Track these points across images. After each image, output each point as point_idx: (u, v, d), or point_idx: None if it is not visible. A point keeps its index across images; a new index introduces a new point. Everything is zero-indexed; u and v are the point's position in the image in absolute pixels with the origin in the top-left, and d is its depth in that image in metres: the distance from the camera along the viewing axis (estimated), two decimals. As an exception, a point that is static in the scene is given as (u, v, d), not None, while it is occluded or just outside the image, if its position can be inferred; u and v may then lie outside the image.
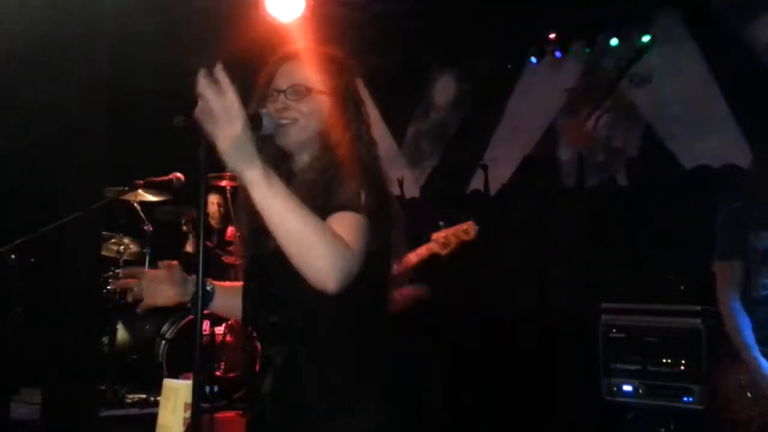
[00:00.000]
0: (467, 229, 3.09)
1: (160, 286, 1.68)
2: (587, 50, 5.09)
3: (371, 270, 1.48)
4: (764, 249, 2.73)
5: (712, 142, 4.59)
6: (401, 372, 1.69)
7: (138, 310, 1.69)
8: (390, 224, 1.57)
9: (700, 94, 4.67)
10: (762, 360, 2.66)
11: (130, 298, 1.68)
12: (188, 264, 5.65)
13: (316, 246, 1.31)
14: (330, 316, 1.50)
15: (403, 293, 3.23)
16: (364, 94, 1.73)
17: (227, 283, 1.78)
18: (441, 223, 3.18)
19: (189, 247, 5.31)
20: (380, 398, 1.52)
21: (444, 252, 3.09)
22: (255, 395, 1.61)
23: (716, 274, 2.85)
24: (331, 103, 1.59)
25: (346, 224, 1.40)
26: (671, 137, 4.79)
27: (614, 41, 4.93)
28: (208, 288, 1.72)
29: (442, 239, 3.08)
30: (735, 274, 2.80)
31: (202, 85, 1.26)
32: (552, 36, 5.10)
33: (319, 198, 1.49)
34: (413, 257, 3.10)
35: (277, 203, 1.30)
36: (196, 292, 1.37)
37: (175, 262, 1.71)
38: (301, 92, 1.58)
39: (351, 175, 1.49)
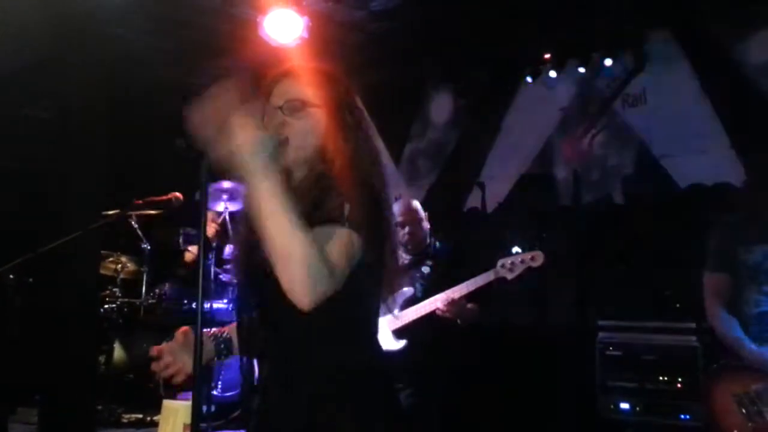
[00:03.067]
0: (534, 257, 3.22)
1: (183, 357, 1.68)
2: (581, 70, 5.14)
3: (360, 285, 1.49)
4: (754, 264, 2.75)
5: (706, 160, 4.63)
6: (394, 389, 1.70)
7: (174, 382, 1.69)
8: (382, 236, 1.56)
9: (693, 113, 4.73)
10: (752, 345, 2.68)
11: (180, 379, 1.68)
12: (184, 281, 5.58)
13: (298, 263, 1.34)
14: (318, 331, 1.51)
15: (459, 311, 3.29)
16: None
17: (233, 324, 1.77)
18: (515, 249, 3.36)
19: (190, 265, 5.33)
20: (369, 415, 1.52)
21: (510, 277, 3.22)
22: (247, 413, 1.61)
23: (705, 286, 2.90)
24: (327, 115, 1.61)
25: (330, 241, 1.41)
26: (665, 156, 4.83)
27: (608, 61, 4.99)
28: (226, 336, 1.74)
29: (508, 264, 3.22)
30: (722, 286, 2.83)
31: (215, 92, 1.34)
32: (547, 56, 5.16)
33: (308, 208, 1.49)
34: (479, 281, 3.24)
35: (270, 202, 1.35)
36: (198, 312, 1.39)
37: (186, 328, 1.72)
38: (297, 107, 1.60)
39: (340, 187, 1.49)
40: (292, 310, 1.41)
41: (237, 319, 1.70)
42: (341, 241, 1.42)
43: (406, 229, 3.55)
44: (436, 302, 3.25)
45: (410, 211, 3.61)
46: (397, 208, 3.65)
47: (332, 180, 1.52)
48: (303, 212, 1.48)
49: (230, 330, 1.76)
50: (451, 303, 3.22)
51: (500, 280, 3.25)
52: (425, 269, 3.48)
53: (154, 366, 1.64)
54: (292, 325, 1.51)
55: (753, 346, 2.68)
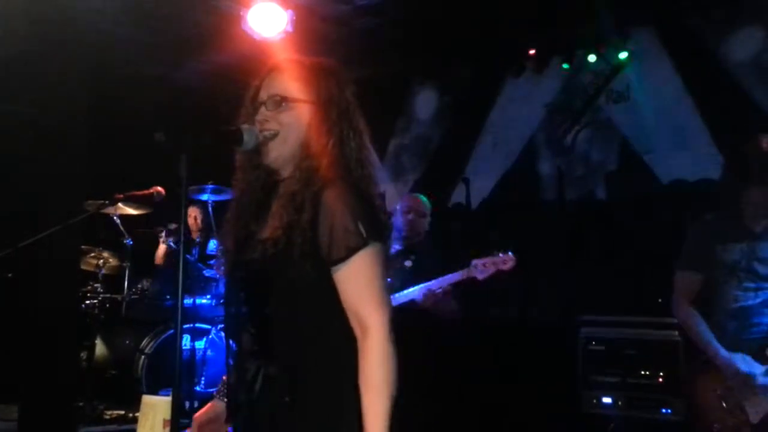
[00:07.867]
0: (506, 260, 3.26)
1: None
2: (566, 66, 5.16)
3: None
4: (732, 261, 2.79)
5: (688, 156, 4.68)
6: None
7: None
8: (384, 232, 1.56)
9: (676, 109, 4.77)
10: (723, 351, 2.72)
11: None
12: (159, 274, 5.52)
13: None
14: (308, 327, 1.51)
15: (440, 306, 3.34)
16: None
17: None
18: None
19: (158, 260, 5.28)
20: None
21: (480, 277, 3.26)
22: (233, 407, 1.60)
23: (674, 283, 2.93)
24: (312, 111, 1.58)
25: (363, 281, 1.46)
26: (648, 152, 4.88)
27: (592, 58, 5.01)
28: None
29: (481, 266, 3.24)
30: (691, 284, 2.86)
31: None
32: (531, 52, 5.17)
33: (306, 211, 1.48)
34: (449, 279, 3.29)
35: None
36: (176, 304, 1.37)
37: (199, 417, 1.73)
38: (278, 102, 1.58)
39: (340, 199, 1.47)
40: (282, 306, 1.40)
41: (225, 314, 1.68)
42: (372, 268, 1.47)
43: (410, 216, 3.61)
44: (414, 293, 3.29)
45: (418, 203, 3.71)
46: (407, 199, 3.74)
47: (326, 188, 1.50)
48: (297, 211, 1.48)
49: None
50: (431, 295, 3.25)
51: (470, 279, 3.28)
52: (407, 263, 3.50)
53: None
54: (281, 320, 1.50)
55: (724, 353, 2.72)
